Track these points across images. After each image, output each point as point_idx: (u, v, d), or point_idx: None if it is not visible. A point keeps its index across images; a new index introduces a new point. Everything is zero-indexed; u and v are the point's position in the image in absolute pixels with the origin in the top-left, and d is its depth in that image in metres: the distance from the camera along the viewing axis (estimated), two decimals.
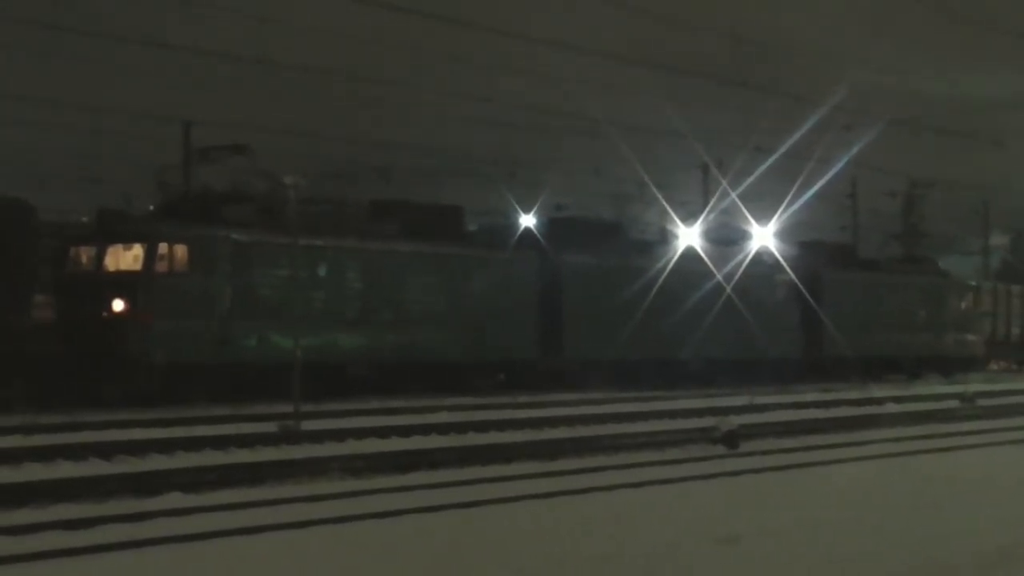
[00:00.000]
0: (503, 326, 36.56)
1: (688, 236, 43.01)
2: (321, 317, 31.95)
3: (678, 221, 44.48)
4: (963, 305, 55.85)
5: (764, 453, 22.46)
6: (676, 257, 41.27)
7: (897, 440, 24.93)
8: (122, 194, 38.74)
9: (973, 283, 58.70)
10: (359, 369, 33.06)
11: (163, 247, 29.93)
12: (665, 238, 44.03)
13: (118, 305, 29.15)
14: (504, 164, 49.57)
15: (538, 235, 39.56)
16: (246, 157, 33.79)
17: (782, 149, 45.23)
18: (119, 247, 30.11)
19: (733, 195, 44.94)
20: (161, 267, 29.82)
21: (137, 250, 29.96)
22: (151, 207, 33.67)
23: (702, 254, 42.18)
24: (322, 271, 32.58)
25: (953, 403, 34.41)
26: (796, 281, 45.46)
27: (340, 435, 22.40)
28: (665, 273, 40.32)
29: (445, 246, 35.65)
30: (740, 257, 43.33)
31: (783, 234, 46.03)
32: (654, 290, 39.68)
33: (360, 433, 22.69)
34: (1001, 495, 16.39)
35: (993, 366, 61.67)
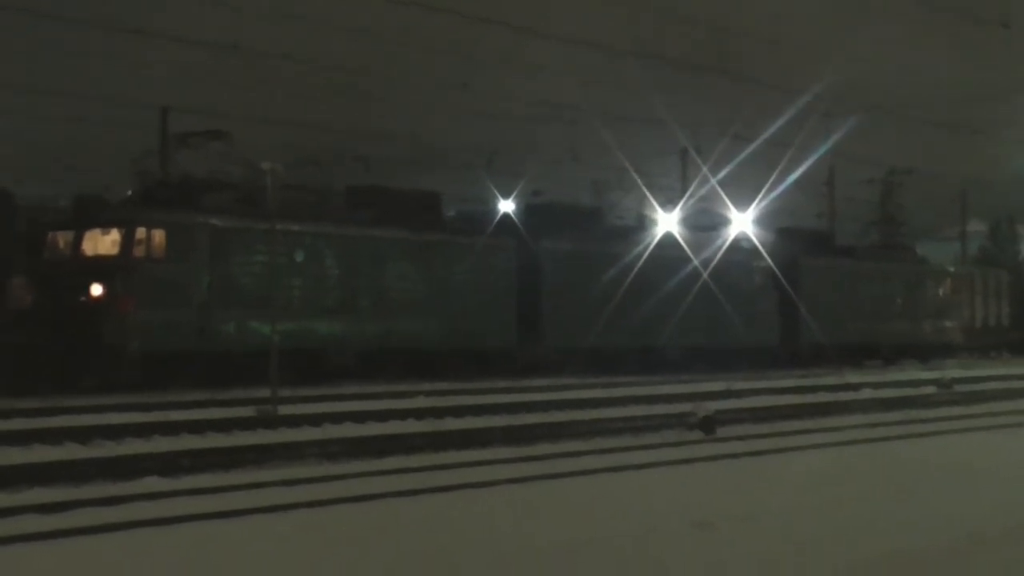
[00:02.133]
0: (481, 312, 36.59)
1: (666, 222, 43.07)
2: (299, 303, 31.95)
3: (657, 207, 44.54)
4: (941, 292, 56.06)
5: (741, 438, 22.50)
6: (654, 243, 41.32)
7: (874, 426, 24.99)
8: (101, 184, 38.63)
9: (952, 269, 58.80)
10: (338, 355, 33.04)
11: (141, 232, 29.82)
12: (644, 224, 44.06)
13: (95, 290, 29.03)
14: (482, 151, 49.59)
15: (516, 221, 39.58)
16: (224, 143, 33.72)
17: (761, 137, 45.36)
18: (97, 232, 30.00)
19: (713, 181, 45.03)
20: (139, 252, 29.72)
21: (115, 235, 29.85)
22: (129, 193, 33.56)
23: (680, 240, 42.24)
24: (300, 257, 32.55)
25: (931, 389, 34.51)
26: (774, 268, 45.57)
27: (317, 420, 22.39)
28: (643, 259, 40.35)
29: (423, 232, 35.62)
30: (718, 244, 43.40)
31: (761, 221, 46.18)
32: (632, 276, 39.73)
33: (337, 418, 22.69)
34: (978, 481, 16.46)
35: None
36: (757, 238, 45.41)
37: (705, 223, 45.36)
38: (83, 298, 28.97)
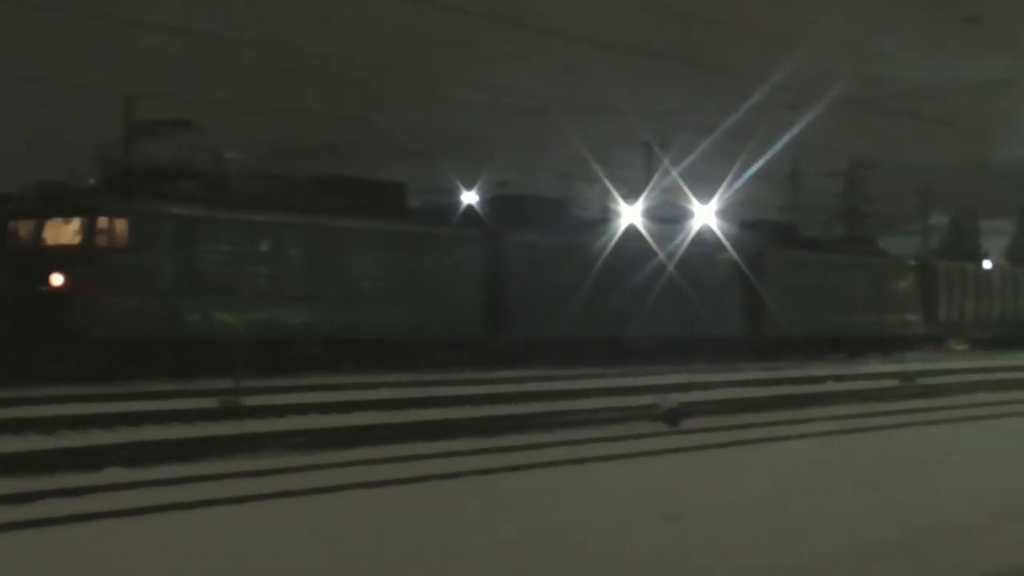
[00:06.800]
0: (447, 303, 36.55)
1: (631, 214, 43.11)
2: (265, 293, 31.82)
3: (621, 199, 44.55)
4: (903, 285, 56.28)
5: (706, 431, 22.54)
6: (620, 235, 41.37)
7: (838, 418, 25.07)
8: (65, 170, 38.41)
9: (912, 262, 59.03)
10: (304, 345, 32.95)
11: (103, 221, 29.67)
12: (609, 216, 44.10)
13: (57, 279, 28.89)
14: (448, 141, 49.58)
15: (482, 212, 39.56)
16: (190, 132, 33.56)
17: (724, 127, 45.39)
18: (59, 221, 29.83)
19: (674, 173, 45.07)
20: (102, 242, 29.57)
21: (77, 224, 29.69)
22: (92, 181, 33.36)
23: (645, 233, 42.30)
24: (266, 247, 32.43)
25: (894, 382, 34.63)
26: (738, 260, 45.68)
27: (282, 411, 22.33)
28: (609, 251, 40.40)
29: (389, 222, 35.55)
30: (683, 236, 43.48)
31: (725, 213, 46.26)
32: (598, 268, 39.76)
33: (302, 409, 22.63)
34: (940, 473, 16.55)
35: None
36: (722, 230, 45.51)
37: (671, 215, 45.44)
38: (45, 287, 28.83)
